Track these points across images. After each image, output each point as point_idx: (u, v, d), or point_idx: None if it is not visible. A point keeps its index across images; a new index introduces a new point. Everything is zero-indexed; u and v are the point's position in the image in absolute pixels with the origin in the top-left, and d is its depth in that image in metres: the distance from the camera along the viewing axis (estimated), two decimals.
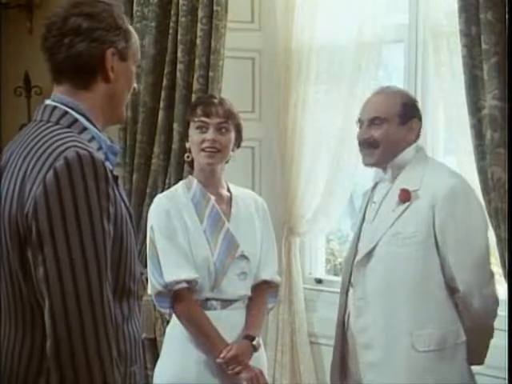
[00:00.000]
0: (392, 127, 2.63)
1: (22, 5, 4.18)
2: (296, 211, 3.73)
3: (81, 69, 1.80)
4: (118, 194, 1.74)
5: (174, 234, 2.70)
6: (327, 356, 3.72)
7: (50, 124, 1.77)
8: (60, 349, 1.60)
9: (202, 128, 2.75)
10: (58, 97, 1.83)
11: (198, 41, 3.52)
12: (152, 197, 3.65)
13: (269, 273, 2.82)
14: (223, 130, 2.75)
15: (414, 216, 2.55)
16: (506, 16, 2.61)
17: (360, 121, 2.71)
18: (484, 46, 2.72)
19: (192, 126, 2.79)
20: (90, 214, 1.63)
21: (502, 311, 2.54)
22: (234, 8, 3.61)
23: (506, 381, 2.33)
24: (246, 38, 3.80)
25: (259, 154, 3.89)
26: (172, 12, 3.59)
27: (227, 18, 3.53)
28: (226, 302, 2.72)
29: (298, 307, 3.73)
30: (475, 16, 2.76)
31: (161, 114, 3.62)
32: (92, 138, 1.79)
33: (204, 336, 2.67)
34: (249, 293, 2.77)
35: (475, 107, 2.81)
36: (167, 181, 3.64)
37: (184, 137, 3.58)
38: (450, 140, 3.37)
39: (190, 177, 2.86)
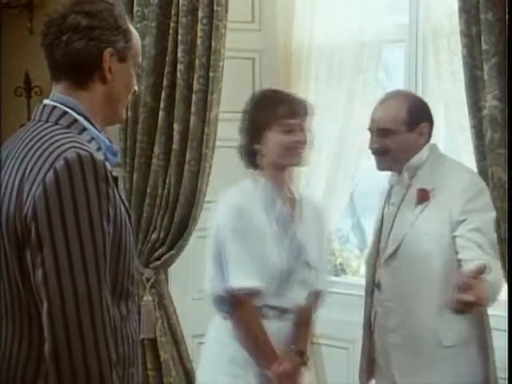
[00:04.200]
0: (401, 136, 2.63)
1: (22, 5, 4.17)
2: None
3: (78, 67, 1.78)
4: (118, 195, 1.73)
5: (247, 236, 2.53)
6: (327, 356, 3.74)
7: (49, 124, 1.75)
8: (58, 351, 1.59)
9: (289, 129, 2.58)
10: (57, 96, 1.80)
11: (199, 41, 3.52)
12: (152, 197, 3.67)
13: (323, 282, 2.72)
14: (306, 131, 2.65)
15: (434, 214, 2.57)
16: (506, 16, 2.62)
17: (369, 129, 2.73)
18: (484, 47, 2.73)
19: (275, 128, 2.57)
20: (89, 215, 1.61)
21: (502, 311, 2.54)
22: (235, 8, 3.61)
23: (506, 381, 2.33)
24: (246, 38, 3.80)
25: None
26: (172, 12, 3.59)
27: (227, 18, 3.53)
28: (282, 311, 2.60)
29: None
30: (475, 16, 2.76)
31: (161, 114, 3.62)
32: (91, 139, 1.76)
33: (258, 347, 2.55)
34: (303, 302, 2.65)
35: (475, 107, 2.81)
36: (167, 181, 3.64)
37: (184, 137, 3.61)
38: (450, 140, 3.37)
39: (255, 176, 2.66)
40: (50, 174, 1.62)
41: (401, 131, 2.63)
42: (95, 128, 1.79)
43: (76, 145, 1.66)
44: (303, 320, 2.66)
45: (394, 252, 2.64)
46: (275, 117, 2.57)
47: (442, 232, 2.55)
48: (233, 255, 2.52)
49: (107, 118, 1.86)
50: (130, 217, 1.79)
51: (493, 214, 2.57)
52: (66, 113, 1.76)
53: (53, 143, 1.68)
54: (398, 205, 2.69)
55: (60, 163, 1.62)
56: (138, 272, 1.92)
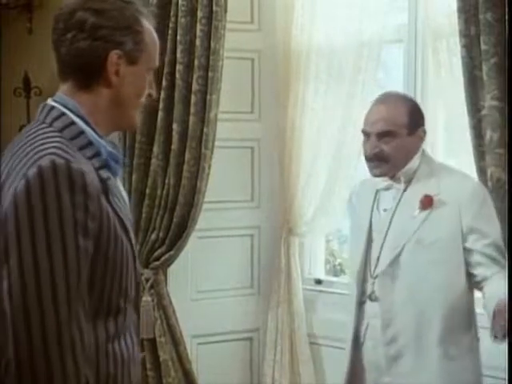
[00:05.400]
0: (402, 140, 2.55)
1: (21, 5, 4.17)
2: (295, 212, 3.73)
3: (81, 68, 1.68)
4: (108, 205, 1.62)
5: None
6: (327, 357, 3.74)
7: (43, 125, 1.66)
8: (21, 367, 1.50)
9: None
10: (59, 96, 1.71)
11: (198, 41, 3.52)
12: (151, 197, 3.67)
13: None
14: None
15: (439, 221, 2.50)
16: (506, 17, 2.62)
17: (366, 132, 2.61)
18: (483, 47, 2.73)
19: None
20: (61, 227, 1.51)
21: None
22: (234, 8, 3.61)
23: (506, 381, 2.32)
24: (245, 38, 3.80)
25: (258, 154, 3.89)
26: (171, 13, 3.58)
27: (226, 18, 3.53)
28: None
29: (298, 308, 3.73)
30: (474, 16, 2.76)
31: (160, 114, 3.62)
32: (88, 144, 1.66)
33: None
34: None
35: (474, 107, 2.81)
36: (166, 181, 3.64)
37: (183, 137, 3.61)
38: (449, 140, 3.37)
39: None
40: (22, 181, 1.53)
41: (402, 135, 2.55)
42: (95, 132, 1.69)
43: (55, 151, 1.56)
44: None
45: (394, 261, 2.54)
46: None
47: (449, 240, 2.49)
48: None
49: (115, 124, 1.76)
50: (125, 226, 1.68)
51: (498, 224, 2.53)
52: (63, 114, 1.67)
53: (34, 148, 1.59)
54: (392, 211, 2.59)
55: (32, 171, 1.53)
56: (135, 286, 1.79)
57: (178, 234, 3.64)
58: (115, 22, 1.68)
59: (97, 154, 1.66)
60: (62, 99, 1.70)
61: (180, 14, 3.56)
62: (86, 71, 1.69)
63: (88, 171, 1.58)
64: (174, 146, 3.60)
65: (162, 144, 3.65)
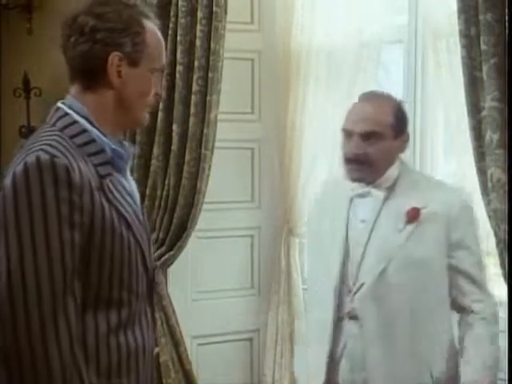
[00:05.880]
0: (387, 142, 2.36)
1: (21, 6, 4.17)
2: (295, 212, 3.73)
3: (85, 70, 1.77)
4: (105, 200, 1.68)
5: None
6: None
7: (46, 126, 1.76)
8: (9, 360, 1.57)
9: None
10: (67, 98, 1.81)
11: (198, 42, 3.52)
12: (151, 198, 3.67)
13: None
14: None
15: (426, 235, 2.34)
16: (506, 17, 2.61)
17: (348, 131, 2.40)
18: (483, 47, 2.72)
19: None
20: (45, 221, 1.58)
21: (502, 312, 2.53)
22: (234, 9, 3.61)
23: (506, 381, 2.32)
24: (245, 38, 3.80)
25: (258, 155, 3.89)
26: (171, 13, 3.58)
27: (226, 19, 3.52)
28: None
29: (298, 308, 3.73)
30: (474, 17, 2.76)
31: (160, 115, 3.62)
32: (91, 141, 1.74)
33: None
34: None
35: (474, 108, 2.81)
36: (166, 182, 3.64)
37: (183, 138, 3.61)
38: (449, 141, 3.37)
39: None
40: (10, 177, 1.63)
41: (388, 137, 2.36)
42: (100, 131, 1.76)
43: (43, 147, 1.64)
44: None
45: (378, 278, 2.33)
46: None
47: (436, 257, 2.34)
48: None
49: (121, 123, 1.83)
50: (129, 225, 1.74)
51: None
52: (67, 114, 1.76)
53: (29, 145, 1.69)
54: (371, 223, 2.39)
55: (19, 167, 1.62)
56: (146, 281, 1.83)
57: (178, 234, 3.64)
58: (113, 24, 1.74)
59: (101, 151, 1.74)
60: (68, 101, 1.79)
61: (180, 14, 3.56)
62: (89, 73, 1.77)
63: (78, 166, 1.64)
64: (173, 147, 3.60)
65: (161, 145, 3.65)
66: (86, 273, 1.66)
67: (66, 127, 1.73)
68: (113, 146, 1.78)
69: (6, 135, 4.08)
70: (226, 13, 3.52)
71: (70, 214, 1.60)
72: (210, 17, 3.51)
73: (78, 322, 1.64)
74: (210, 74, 3.53)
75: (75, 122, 1.75)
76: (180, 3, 3.55)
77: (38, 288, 1.57)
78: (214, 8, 3.49)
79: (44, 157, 1.61)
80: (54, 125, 1.75)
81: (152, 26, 1.82)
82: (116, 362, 1.71)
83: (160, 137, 3.64)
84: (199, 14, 3.52)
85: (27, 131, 3.87)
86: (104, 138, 1.76)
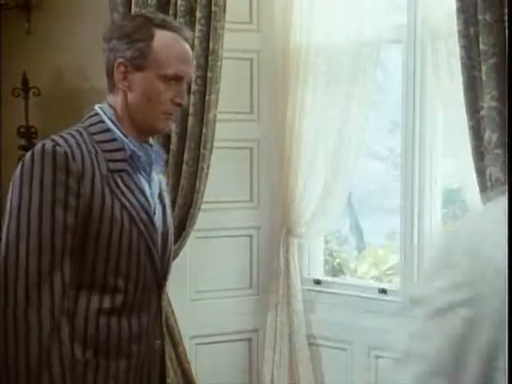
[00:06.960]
0: None
1: (20, 5, 4.16)
2: (294, 212, 3.73)
3: (107, 75, 1.99)
4: (108, 190, 1.84)
5: None
6: (326, 357, 3.74)
7: (78, 123, 1.96)
8: None
9: None
10: (105, 100, 2.01)
11: (196, 42, 3.52)
12: None
13: None
14: None
15: None
16: (505, 17, 2.62)
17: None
18: (482, 47, 2.73)
19: None
20: (40, 200, 1.78)
21: None
22: (232, 9, 3.61)
23: (506, 381, 2.32)
24: (244, 38, 3.80)
25: (257, 155, 3.89)
26: (170, 13, 3.58)
27: (225, 18, 3.52)
28: None
29: (297, 308, 3.73)
30: (473, 17, 2.76)
31: None
32: (112, 140, 1.91)
33: None
34: None
35: (473, 108, 2.81)
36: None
37: (182, 137, 3.60)
38: (448, 141, 3.37)
39: None
40: (21, 162, 1.85)
41: None
42: (122, 132, 1.94)
43: (54, 137, 1.85)
44: None
45: None
46: None
47: None
48: None
49: (137, 127, 1.97)
50: (132, 218, 1.87)
51: None
52: (96, 114, 1.96)
53: None
54: None
55: (28, 153, 1.84)
56: (151, 273, 1.92)
57: (176, 234, 3.63)
58: (119, 33, 1.94)
59: (118, 150, 1.92)
60: (103, 103, 2.00)
61: (179, 14, 3.56)
62: (108, 78, 1.99)
63: (82, 157, 1.83)
64: (172, 147, 3.60)
65: (160, 144, 3.64)
66: (81, 257, 1.82)
67: (91, 125, 1.93)
68: (132, 147, 1.93)
69: (5, 135, 4.09)
70: (224, 12, 3.52)
71: (64, 197, 1.79)
72: (208, 16, 3.51)
73: (66, 298, 1.78)
74: (208, 74, 3.52)
75: (101, 121, 1.94)
76: (179, 3, 3.55)
77: (28, 259, 1.75)
78: (213, 8, 3.49)
79: (48, 145, 1.81)
80: (83, 122, 1.95)
81: (167, 35, 1.94)
82: (104, 342, 1.84)
83: (159, 136, 3.63)
84: (198, 14, 3.51)
85: (26, 131, 3.87)
86: (125, 139, 1.93)
